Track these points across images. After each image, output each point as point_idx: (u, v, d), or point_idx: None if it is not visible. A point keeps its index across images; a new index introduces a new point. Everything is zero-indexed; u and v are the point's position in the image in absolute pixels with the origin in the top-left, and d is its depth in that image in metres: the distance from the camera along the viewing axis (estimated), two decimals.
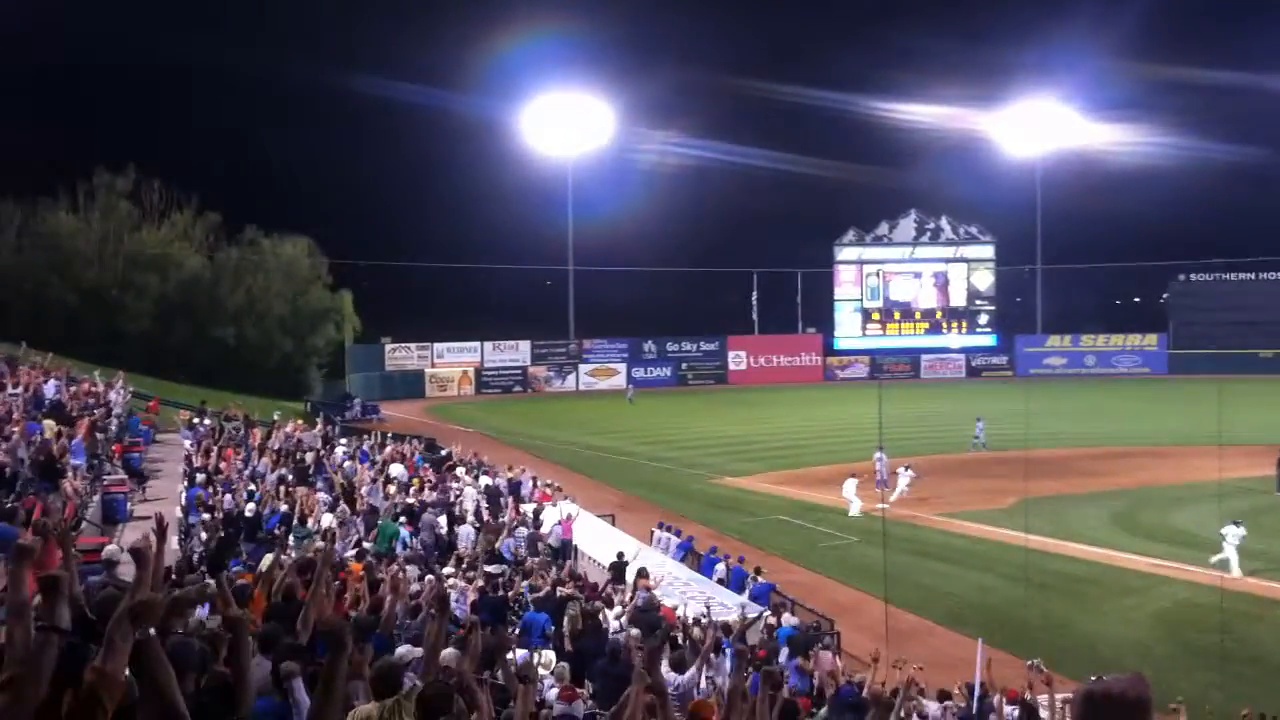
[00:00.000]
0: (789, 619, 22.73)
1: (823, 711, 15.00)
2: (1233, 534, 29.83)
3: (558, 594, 20.40)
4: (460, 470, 34.53)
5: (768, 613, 23.05)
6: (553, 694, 13.12)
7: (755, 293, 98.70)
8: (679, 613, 21.86)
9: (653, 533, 32.09)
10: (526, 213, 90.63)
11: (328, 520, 23.77)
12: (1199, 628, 26.14)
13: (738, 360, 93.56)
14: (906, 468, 40.75)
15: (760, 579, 26.17)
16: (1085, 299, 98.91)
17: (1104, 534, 34.86)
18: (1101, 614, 27.49)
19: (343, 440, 39.56)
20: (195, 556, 18.47)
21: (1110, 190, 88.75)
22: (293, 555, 18.46)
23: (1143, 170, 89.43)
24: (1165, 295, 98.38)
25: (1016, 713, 16.89)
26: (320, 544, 18.75)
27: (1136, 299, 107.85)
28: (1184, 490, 40.85)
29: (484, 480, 33.32)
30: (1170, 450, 49.11)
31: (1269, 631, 25.82)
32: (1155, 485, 42.58)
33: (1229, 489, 39.05)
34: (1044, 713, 16.43)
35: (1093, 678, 3.58)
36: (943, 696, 16.51)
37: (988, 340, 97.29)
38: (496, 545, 25.68)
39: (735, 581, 26.80)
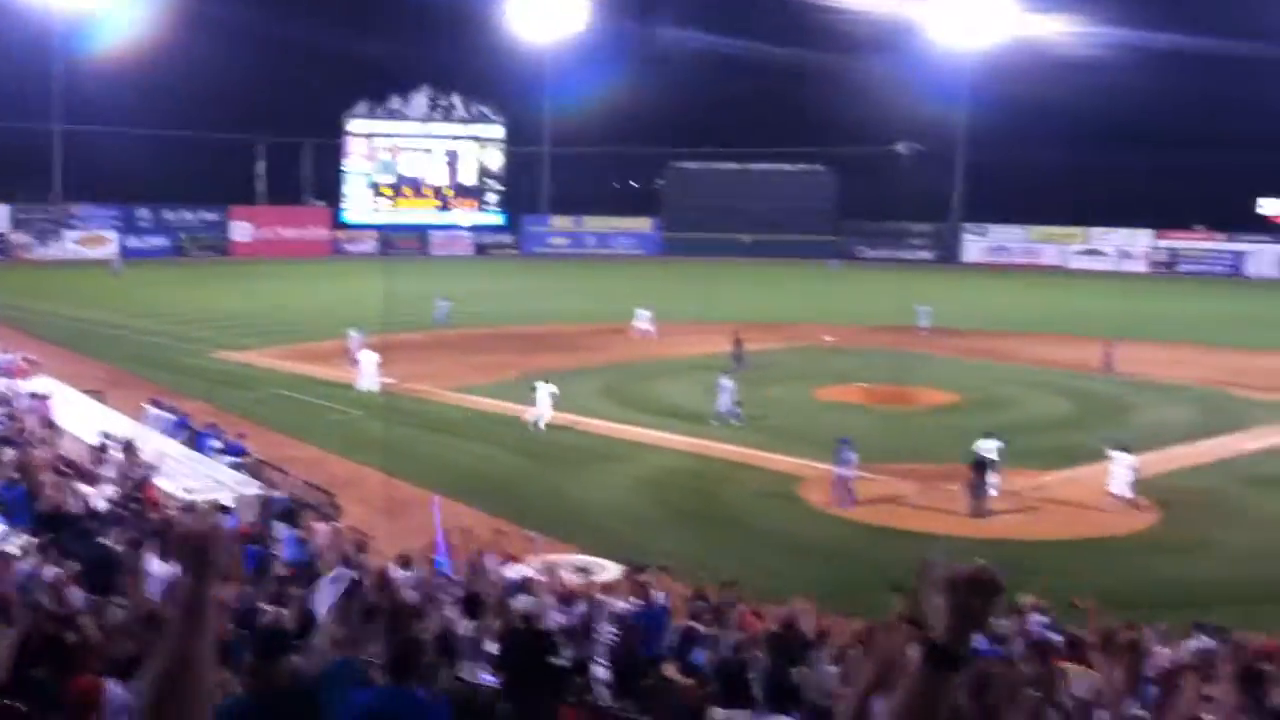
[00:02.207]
0: (280, 493, 22.57)
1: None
2: (984, 447, 26.57)
3: (38, 472, 19.17)
4: None
5: (259, 488, 22.79)
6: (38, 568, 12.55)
7: (261, 162, 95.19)
8: (169, 491, 21.16)
9: (145, 408, 30.65)
10: (5, 63, 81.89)
11: None
12: (679, 491, 28.37)
13: (241, 232, 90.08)
14: (545, 382, 34.28)
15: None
16: (589, 183, 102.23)
17: (595, 405, 36.76)
18: (593, 481, 29.12)
19: None
20: None
21: (614, 77, 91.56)
22: None
23: (644, 59, 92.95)
24: (660, 181, 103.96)
25: (515, 573, 17.66)
26: None
27: (634, 184, 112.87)
28: (667, 364, 43.96)
29: None
30: (659, 327, 52.15)
31: (736, 492, 28.34)
32: (643, 360, 45.31)
33: (698, 364, 42.42)
34: (530, 573, 17.32)
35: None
36: (404, 562, 16.53)
37: (496, 219, 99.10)
38: None
39: (232, 459, 26.20)
